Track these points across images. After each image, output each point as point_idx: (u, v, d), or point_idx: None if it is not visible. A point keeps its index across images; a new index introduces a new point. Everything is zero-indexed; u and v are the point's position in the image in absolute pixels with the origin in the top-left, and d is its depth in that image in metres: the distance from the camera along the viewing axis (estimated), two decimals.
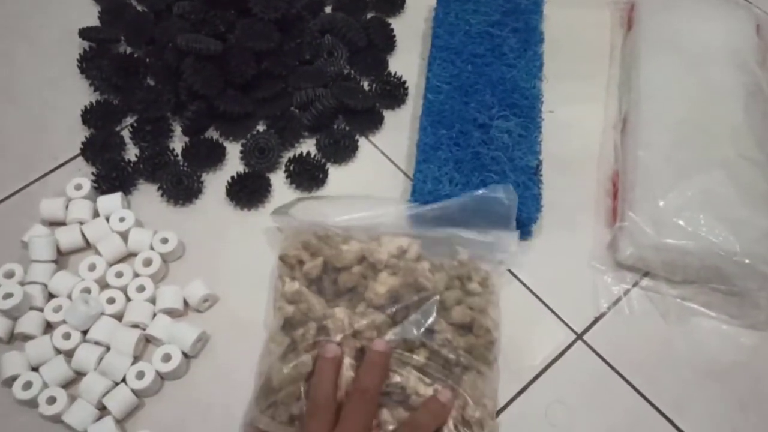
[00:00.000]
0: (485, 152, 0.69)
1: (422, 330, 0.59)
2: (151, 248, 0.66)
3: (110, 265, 0.66)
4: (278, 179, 0.72)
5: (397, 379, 0.56)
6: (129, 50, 0.79)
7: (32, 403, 0.59)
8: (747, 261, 0.61)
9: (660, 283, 0.66)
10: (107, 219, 0.68)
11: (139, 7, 0.83)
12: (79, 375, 0.61)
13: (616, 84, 0.78)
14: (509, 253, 0.65)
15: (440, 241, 0.65)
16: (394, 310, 0.60)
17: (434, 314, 0.59)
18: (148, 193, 0.72)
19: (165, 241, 0.67)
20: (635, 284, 0.66)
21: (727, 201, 0.64)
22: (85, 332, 0.62)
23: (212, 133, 0.75)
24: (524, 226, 0.68)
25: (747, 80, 0.72)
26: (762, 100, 0.72)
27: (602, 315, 0.65)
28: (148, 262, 0.65)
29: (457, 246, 0.64)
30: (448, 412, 0.55)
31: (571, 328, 0.64)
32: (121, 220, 0.67)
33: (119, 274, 0.65)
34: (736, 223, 0.63)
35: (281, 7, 0.73)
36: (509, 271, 0.67)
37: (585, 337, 0.64)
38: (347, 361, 0.57)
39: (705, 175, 0.65)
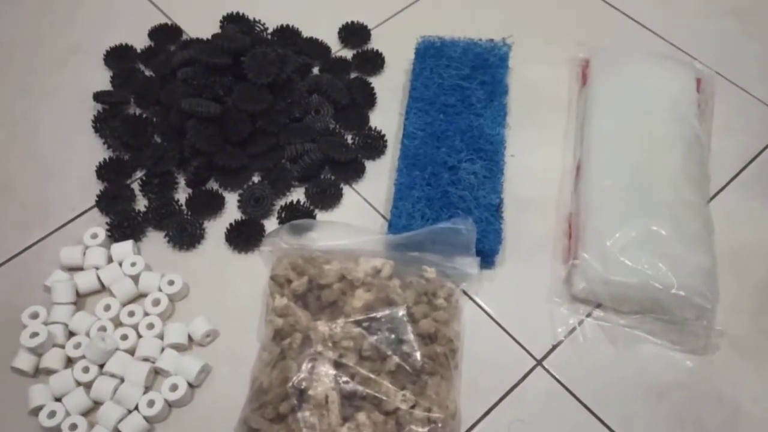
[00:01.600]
0: (453, 191, 0.78)
1: (393, 340, 0.67)
2: (159, 290, 0.75)
3: (123, 305, 0.74)
4: (272, 225, 0.81)
5: (371, 384, 0.65)
6: (138, 111, 0.89)
7: (56, 430, 0.67)
8: (683, 293, 0.70)
9: (609, 313, 0.74)
10: (120, 264, 0.76)
11: (147, 72, 0.93)
12: (97, 404, 0.69)
13: (572, 133, 0.87)
14: (471, 275, 0.74)
15: (410, 262, 0.74)
16: (368, 322, 0.68)
17: (403, 326, 0.68)
18: (156, 240, 0.80)
19: (171, 283, 0.75)
20: (588, 315, 0.74)
21: (666, 240, 0.73)
22: (102, 366, 0.71)
23: (213, 185, 0.84)
24: (487, 257, 0.76)
25: (686, 131, 0.82)
26: (699, 148, 0.81)
27: (559, 343, 0.73)
28: (156, 302, 0.74)
29: (425, 266, 0.73)
30: None
31: (531, 354, 0.73)
32: (133, 264, 0.76)
33: (131, 314, 0.73)
34: (673, 260, 0.71)
35: (273, 72, 0.83)
36: (474, 301, 0.75)
37: (544, 363, 0.72)
38: (328, 369, 0.65)
39: (647, 218, 0.74)
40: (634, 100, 0.84)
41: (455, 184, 0.79)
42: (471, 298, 0.76)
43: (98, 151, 0.87)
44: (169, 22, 0.99)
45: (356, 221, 0.82)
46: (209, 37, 0.89)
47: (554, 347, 0.73)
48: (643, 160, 0.79)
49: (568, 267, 0.76)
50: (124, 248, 0.78)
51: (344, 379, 0.65)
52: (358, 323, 0.68)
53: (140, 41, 0.96)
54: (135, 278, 0.76)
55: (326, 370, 0.65)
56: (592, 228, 0.75)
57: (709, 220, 0.77)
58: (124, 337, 0.72)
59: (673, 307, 0.71)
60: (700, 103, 0.86)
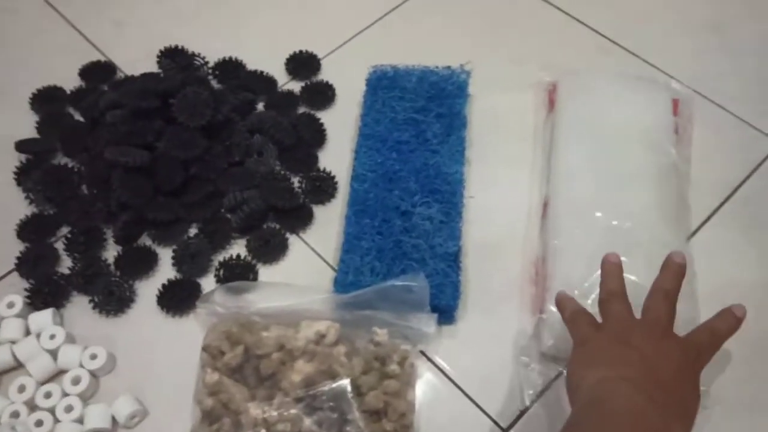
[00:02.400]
0: (407, 240, 0.71)
1: (335, 420, 0.60)
2: (81, 365, 0.67)
3: (40, 384, 0.67)
4: (209, 283, 0.73)
5: None
6: (64, 161, 0.81)
7: None
8: None
9: None
10: (38, 337, 0.69)
11: (77, 116, 0.85)
12: None
13: (539, 167, 0.80)
14: (428, 334, 0.66)
15: (360, 323, 0.66)
16: (309, 399, 0.61)
17: (347, 402, 0.60)
18: (81, 305, 0.73)
19: (94, 357, 0.67)
20: (558, 375, 0.67)
21: (642, 288, 0.65)
22: None
23: (145, 240, 0.76)
24: (445, 313, 0.69)
25: (661, 160, 0.74)
26: (676, 178, 0.74)
27: (527, 409, 0.65)
28: (76, 381, 0.66)
29: (375, 327, 0.66)
30: (739, 325, 0.55)
31: (496, 423, 0.65)
32: (51, 337, 0.68)
33: (48, 395, 0.65)
34: None
35: (206, 114, 0.76)
36: (433, 362, 0.68)
37: None
38: None
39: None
40: (604, 127, 0.76)
41: (409, 231, 0.71)
42: (429, 359, 0.68)
43: (20, 207, 0.79)
44: (103, 59, 0.91)
45: (304, 274, 0.74)
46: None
47: (522, 413, 0.65)
48: (614, 197, 0.71)
49: (536, 321, 0.68)
50: (42, 318, 0.70)
51: None
52: (297, 400, 0.61)
53: (72, 81, 0.89)
54: (54, 353, 0.68)
55: None
56: (560, 276, 0.68)
57: (690, 262, 0.69)
58: (39, 423, 0.64)
59: None
60: (677, 128, 0.79)
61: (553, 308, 0.65)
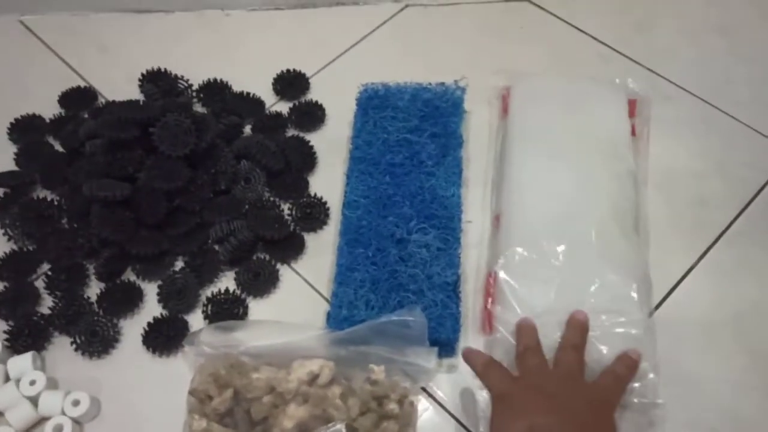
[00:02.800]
0: (403, 270, 0.67)
1: None
2: (63, 412, 0.64)
3: None
4: (197, 320, 0.70)
5: None
6: (44, 194, 0.78)
7: None
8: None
9: None
10: (18, 383, 0.65)
11: (56, 145, 0.82)
12: None
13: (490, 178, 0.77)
14: (427, 370, 0.62)
15: (356, 360, 0.63)
16: None
17: None
18: (63, 347, 0.69)
19: (77, 403, 0.64)
20: None
21: (592, 305, 0.62)
22: None
23: (129, 275, 0.73)
24: (445, 346, 0.65)
25: (616, 167, 0.71)
26: (632, 185, 0.71)
27: None
28: (58, 429, 0.63)
29: (372, 365, 0.62)
30: (636, 367, 0.58)
31: None
32: (32, 383, 0.65)
33: None
34: (602, 329, 0.61)
35: (189, 142, 0.72)
36: (435, 399, 0.64)
37: None
38: None
39: (569, 279, 0.64)
40: (556, 134, 0.73)
41: (405, 260, 0.67)
42: (431, 395, 0.65)
43: None
44: (84, 85, 0.88)
45: (296, 307, 0.70)
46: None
47: None
48: (566, 208, 0.68)
49: (488, 341, 0.65)
50: (22, 363, 0.66)
51: None
52: None
53: (51, 109, 0.86)
54: (34, 399, 0.64)
55: None
56: (510, 291, 0.64)
57: (646, 275, 0.67)
58: None
59: None
60: (635, 129, 0.76)
61: (500, 328, 0.63)
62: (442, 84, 0.78)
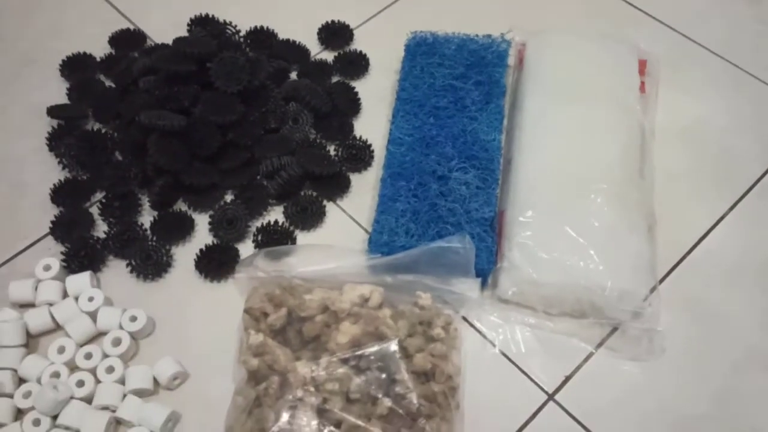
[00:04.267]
0: (442, 204, 0.70)
1: (384, 379, 0.59)
2: (120, 327, 0.66)
3: (80, 346, 0.66)
4: (247, 249, 0.73)
5: None
6: (97, 126, 0.80)
7: None
8: (616, 294, 0.63)
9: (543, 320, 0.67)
10: (76, 299, 0.68)
11: (107, 83, 0.84)
12: None
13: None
14: (471, 299, 0.66)
15: (402, 288, 0.66)
16: (356, 360, 0.60)
17: (396, 363, 0.60)
18: (117, 270, 0.72)
19: (134, 319, 0.67)
20: (599, 344, 0.66)
21: (599, 238, 0.66)
22: (55, 418, 0.62)
23: (181, 206, 0.76)
24: (479, 277, 0.68)
25: (625, 117, 0.75)
26: (640, 134, 0.74)
27: (572, 375, 0.65)
28: (117, 342, 0.65)
29: (419, 292, 0.65)
30: None
31: (542, 388, 0.64)
32: (90, 299, 0.68)
33: (88, 356, 0.65)
34: (607, 259, 0.65)
35: (243, 79, 0.75)
36: (475, 328, 0.67)
37: (556, 397, 0.64)
38: (310, 417, 0.57)
39: (578, 214, 0.67)
40: (568, 84, 0.77)
41: (445, 195, 0.70)
42: (472, 325, 0.68)
43: (53, 172, 0.78)
44: (132, 28, 0.90)
45: (341, 242, 0.73)
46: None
47: (567, 379, 0.65)
48: (576, 151, 0.72)
49: (496, 270, 0.68)
50: (80, 281, 0.69)
51: (329, 428, 0.57)
52: (344, 361, 0.60)
53: (100, 49, 0.88)
54: (93, 315, 0.67)
55: (308, 419, 0.57)
56: (520, 224, 0.68)
57: (650, 213, 0.71)
58: (80, 384, 0.63)
59: (606, 309, 0.65)
60: (644, 87, 0.79)
61: (512, 255, 0.66)
62: (489, 36, 0.81)
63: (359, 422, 0.57)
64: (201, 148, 0.74)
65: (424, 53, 0.79)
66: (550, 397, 0.64)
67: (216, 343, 0.67)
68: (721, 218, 0.74)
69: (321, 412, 0.57)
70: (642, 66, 0.80)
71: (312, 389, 0.58)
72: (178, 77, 0.75)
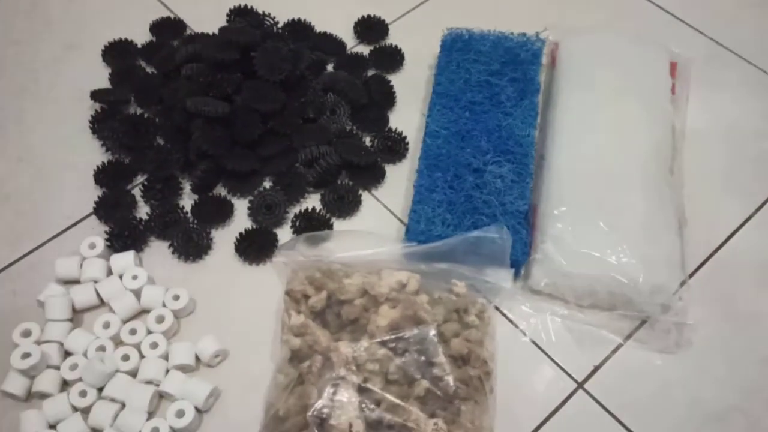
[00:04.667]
0: (478, 196, 0.72)
1: (422, 362, 0.61)
2: (163, 305, 0.69)
3: (124, 322, 0.68)
4: (285, 234, 0.75)
5: (399, 412, 0.58)
6: (139, 111, 0.82)
7: None
8: (648, 288, 0.65)
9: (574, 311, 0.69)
10: (120, 277, 0.70)
11: (148, 69, 0.86)
12: None
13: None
14: (504, 289, 0.68)
15: (437, 275, 0.68)
16: (394, 342, 0.62)
17: (434, 346, 0.62)
18: (159, 250, 0.74)
19: (177, 297, 0.69)
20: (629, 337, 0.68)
21: (632, 232, 0.68)
22: (101, 389, 0.64)
23: (220, 190, 0.78)
24: (512, 268, 0.70)
25: (657, 116, 0.77)
26: (670, 132, 0.77)
27: (601, 364, 0.67)
28: (160, 319, 0.68)
29: (454, 280, 0.67)
30: None
31: (571, 377, 0.66)
32: (134, 277, 0.70)
33: (133, 332, 0.67)
34: (640, 253, 0.66)
35: (285, 69, 0.77)
36: (507, 318, 0.69)
37: (585, 386, 0.66)
38: (351, 395, 0.59)
39: (611, 209, 0.69)
40: (601, 82, 0.79)
41: (480, 188, 0.72)
42: (504, 315, 0.70)
43: (96, 154, 0.80)
44: (172, 16, 0.92)
45: (376, 230, 0.75)
46: (215, 32, 0.83)
47: (596, 369, 0.67)
48: (610, 148, 0.74)
49: (529, 261, 0.70)
50: (124, 259, 0.71)
51: (370, 406, 0.59)
52: (383, 344, 0.62)
53: (141, 36, 0.90)
54: (137, 292, 0.69)
55: (349, 397, 0.59)
56: (553, 218, 0.70)
57: (681, 210, 0.73)
58: (126, 358, 0.65)
59: (638, 302, 0.66)
60: (675, 89, 0.81)
61: (546, 247, 0.68)
62: (523, 34, 0.83)
63: (398, 402, 0.59)
64: (243, 135, 0.76)
65: (459, 49, 0.81)
66: (580, 385, 0.66)
67: (254, 323, 0.69)
68: (750, 217, 0.75)
69: (361, 391, 0.59)
70: (672, 68, 0.82)
71: (353, 368, 0.60)
72: (222, 65, 0.77)
